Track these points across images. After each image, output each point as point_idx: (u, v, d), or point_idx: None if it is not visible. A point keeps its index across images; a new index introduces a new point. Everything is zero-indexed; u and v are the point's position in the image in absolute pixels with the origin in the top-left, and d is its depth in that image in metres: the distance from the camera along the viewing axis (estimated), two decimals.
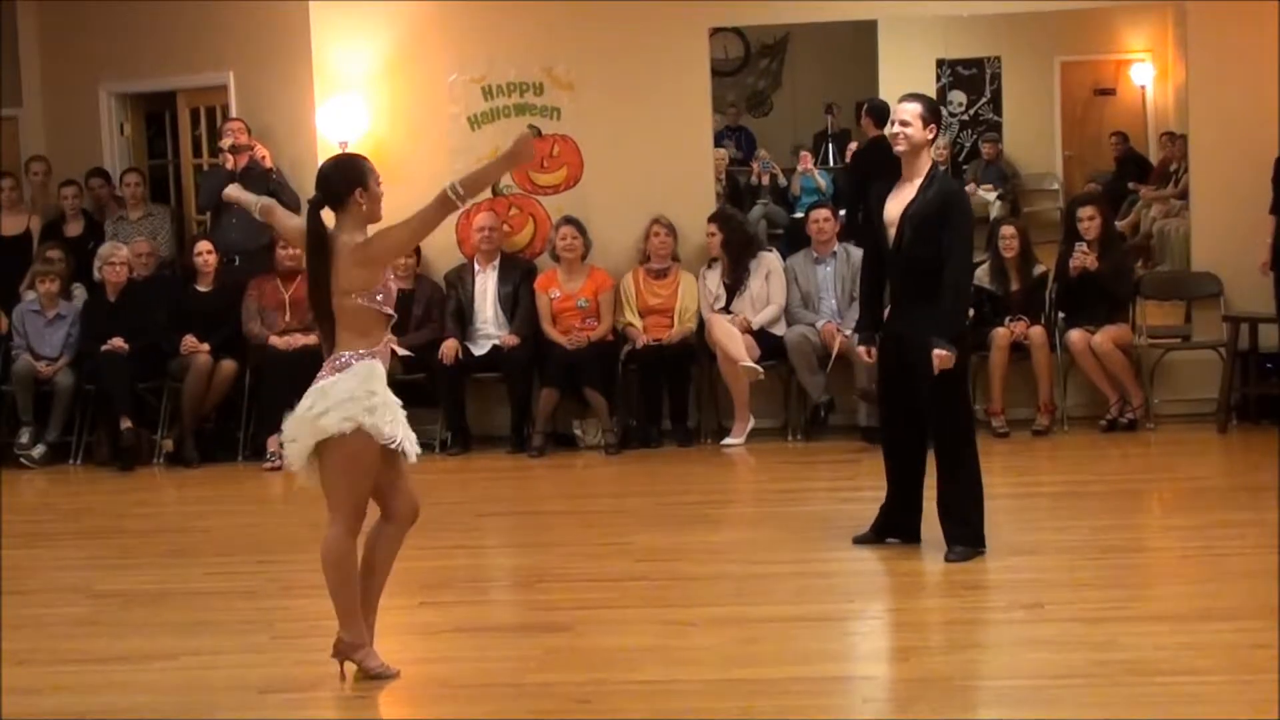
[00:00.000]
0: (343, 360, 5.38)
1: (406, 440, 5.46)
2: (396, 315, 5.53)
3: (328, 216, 5.50)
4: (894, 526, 7.19)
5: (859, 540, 7.22)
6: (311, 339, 9.49)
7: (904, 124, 6.90)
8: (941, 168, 7.41)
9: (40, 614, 6.72)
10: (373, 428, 5.33)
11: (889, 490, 7.20)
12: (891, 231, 6.94)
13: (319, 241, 5.44)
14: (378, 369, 5.42)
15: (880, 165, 7.24)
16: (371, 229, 5.51)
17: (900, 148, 6.93)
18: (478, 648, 6.02)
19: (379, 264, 5.43)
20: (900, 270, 7.00)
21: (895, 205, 6.95)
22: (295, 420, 5.40)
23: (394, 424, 5.40)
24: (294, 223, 5.84)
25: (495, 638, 6.18)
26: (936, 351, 6.75)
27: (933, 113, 6.94)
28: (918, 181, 6.90)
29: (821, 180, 12.92)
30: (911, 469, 7.08)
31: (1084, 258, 10.04)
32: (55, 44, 11.91)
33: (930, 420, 6.95)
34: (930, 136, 6.90)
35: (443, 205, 5.37)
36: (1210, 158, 10.44)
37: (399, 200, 5.57)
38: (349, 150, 10.17)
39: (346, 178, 5.47)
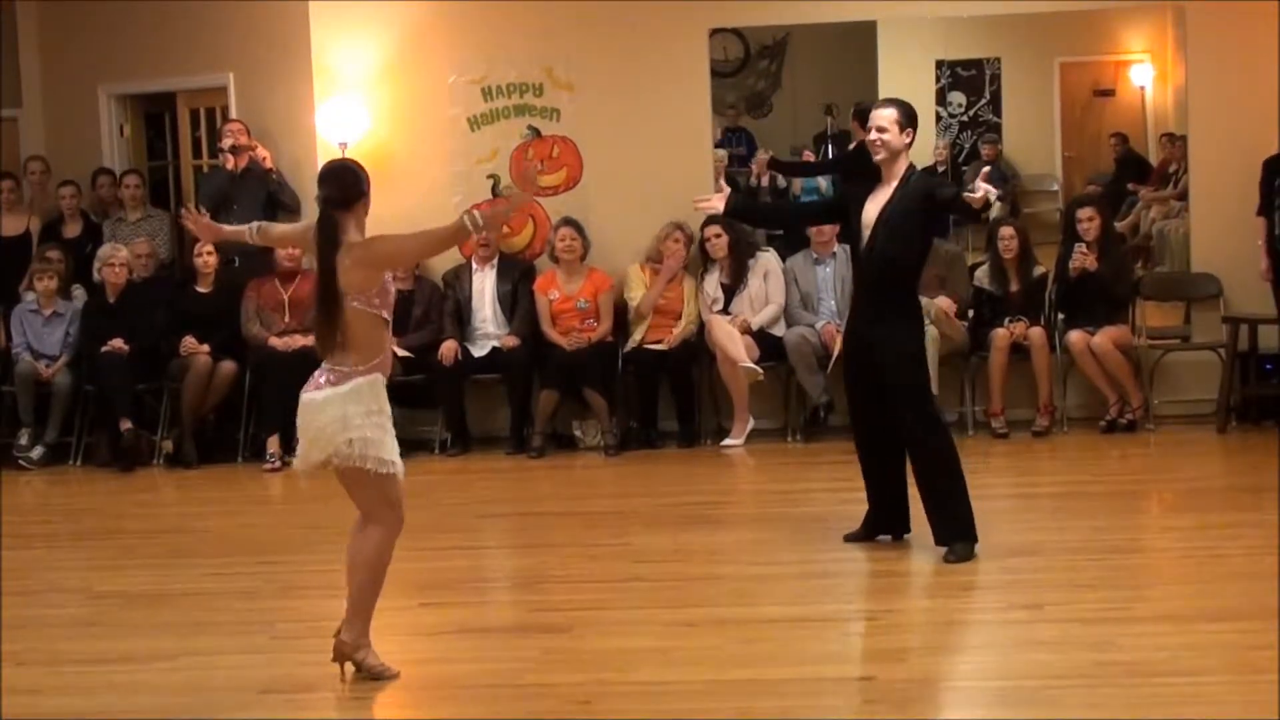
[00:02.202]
0: (347, 371, 5.37)
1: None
2: (390, 320, 5.53)
3: None
4: (884, 523, 7.21)
5: (850, 538, 7.23)
6: (310, 340, 9.48)
7: (880, 130, 6.90)
8: (941, 168, 7.42)
9: (40, 614, 6.72)
10: (393, 462, 5.41)
11: (871, 490, 7.21)
12: (865, 234, 6.94)
13: (331, 240, 5.41)
14: (379, 384, 5.43)
15: (865, 167, 7.24)
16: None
17: (879, 155, 6.92)
18: (477, 648, 6.02)
19: (379, 268, 5.44)
20: (870, 275, 7.00)
21: (872, 208, 6.95)
22: (317, 429, 5.36)
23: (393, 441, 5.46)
24: (295, 227, 5.82)
25: (494, 638, 6.18)
26: (980, 189, 6.71)
27: (909, 117, 6.93)
28: (894, 185, 6.91)
29: (822, 181, 12.92)
30: (891, 467, 7.11)
31: (1083, 258, 10.04)
32: (55, 44, 11.91)
33: (902, 425, 6.96)
34: (907, 141, 6.90)
35: (459, 232, 5.44)
36: (1210, 159, 10.45)
37: (398, 200, 5.62)
38: (348, 152, 10.25)
39: (359, 183, 5.51)
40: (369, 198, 5.51)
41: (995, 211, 12.62)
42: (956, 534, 6.88)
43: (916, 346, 7.07)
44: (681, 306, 10.40)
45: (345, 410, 5.34)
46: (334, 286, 5.38)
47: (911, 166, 6.98)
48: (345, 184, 5.49)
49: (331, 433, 5.34)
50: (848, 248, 10.27)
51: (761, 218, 9.65)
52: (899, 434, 7.00)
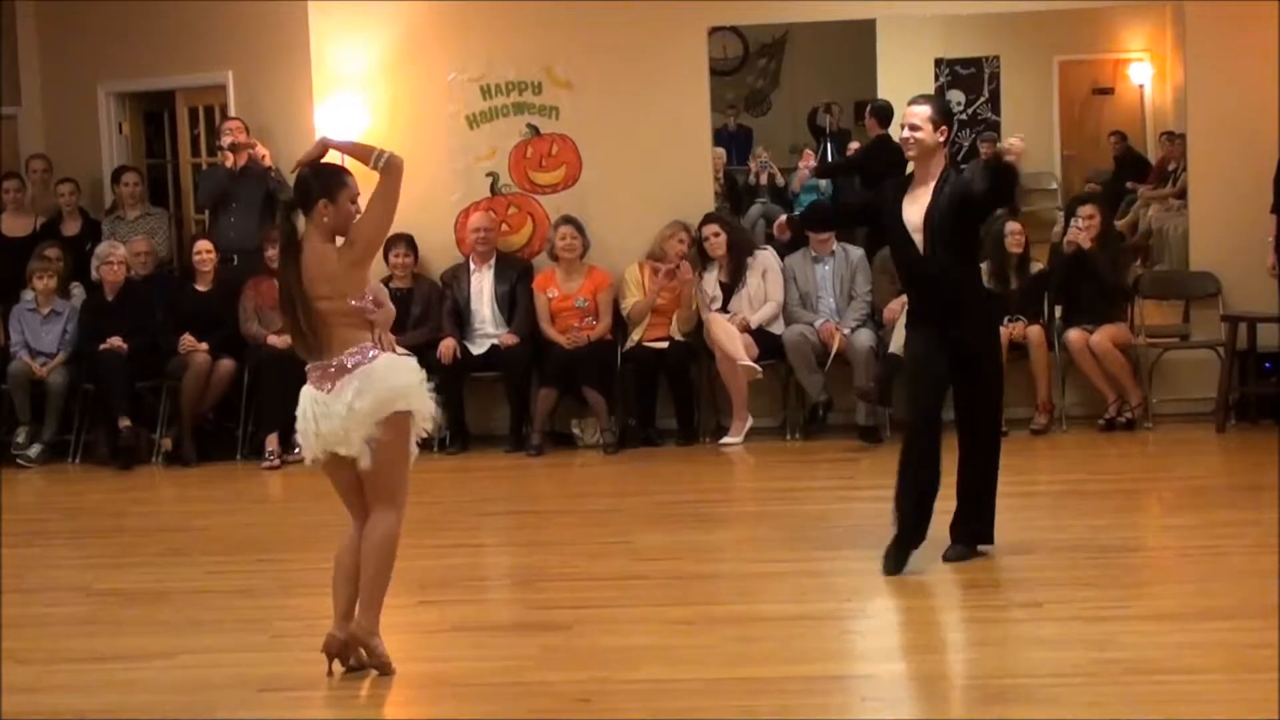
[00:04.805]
0: (354, 357, 5.43)
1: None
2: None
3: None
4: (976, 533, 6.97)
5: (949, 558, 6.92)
6: None
7: (914, 128, 6.68)
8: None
9: (40, 613, 6.72)
10: (406, 405, 5.48)
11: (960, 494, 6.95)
12: (918, 239, 6.70)
13: (287, 245, 5.51)
14: (394, 360, 5.55)
15: (885, 163, 7.16)
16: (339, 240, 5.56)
17: (911, 153, 6.72)
18: (476, 647, 6.02)
19: (368, 257, 5.53)
20: (934, 280, 6.75)
21: (915, 211, 6.71)
22: (344, 411, 5.40)
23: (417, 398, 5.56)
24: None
25: (494, 637, 6.18)
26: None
27: (943, 114, 6.74)
28: (932, 185, 6.69)
29: (821, 182, 12.92)
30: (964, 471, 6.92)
31: (1079, 234, 10.00)
32: (54, 43, 11.90)
33: (981, 418, 6.82)
34: (941, 139, 6.68)
35: (391, 174, 5.47)
36: (1209, 157, 10.43)
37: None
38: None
39: (315, 186, 5.52)
40: (339, 204, 5.46)
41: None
42: (978, 537, 6.84)
43: (997, 342, 6.94)
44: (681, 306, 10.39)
45: (401, 371, 5.50)
46: (296, 290, 5.44)
47: (947, 167, 6.75)
48: (299, 188, 5.55)
49: (411, 381, 5.47)
50: (846, 246, 10.38)
51: (817, 223, 9.44)
52: (973, 426, 6.82)
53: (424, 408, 5.53)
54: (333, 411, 5.41)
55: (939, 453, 6.77)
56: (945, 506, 6.89)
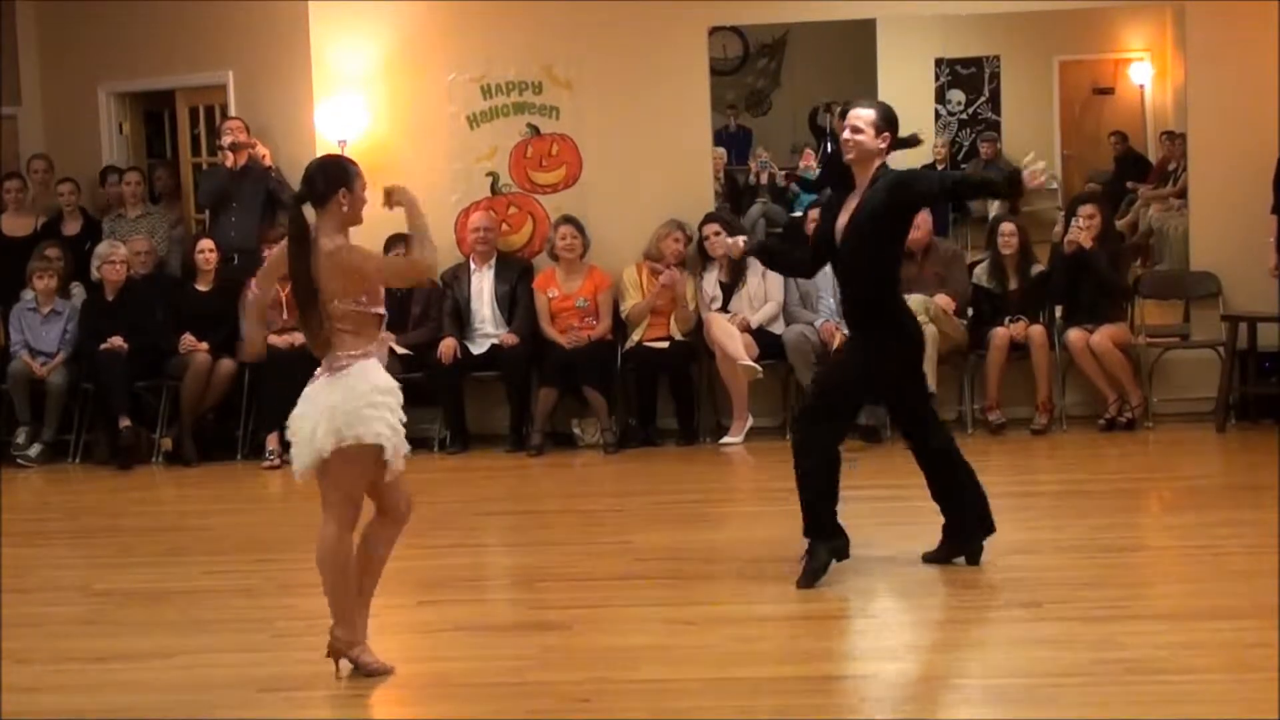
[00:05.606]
0: (339, 363, 5.40)
1: (396, 442, 5.46)
2: (387, 313, 5.57)
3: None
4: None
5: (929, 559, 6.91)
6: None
7: (855, 130, 6.48)
8: (940, 166, 7.27)
9: (39, 612, 6.72)
10: (356, 439, 5.35)
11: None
12: (838, 244, 6.58)
13: (299, 238, 5.47)
14: (371, 368, 5.43)
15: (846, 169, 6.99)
16: (352, 232, 5.54)
17: (849, 156, 6.52)
18: (476, 646, 6.02)
19: (348, 276, 5.43)
20: (843, 289, 6.75)
21: (844, 217, 6.57)
22: (299, 437, 5.46)
23: (382, 423, 5.39)
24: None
25: (494, 636, 6.17)
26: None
27: (887, 121, 6.50)
28: (863, 189, 6.52)
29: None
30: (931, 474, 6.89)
31: (1080, 234, 10.00)
32: (54, 43, 11.92)
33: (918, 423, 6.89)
34: (882, 146, 6.48)
35: (419, 269, 5.57)
36: (1209, 157, 10.44)
37: None
38: (347, 149, 10.25)
39: (331, 177, 5.49)
40: (355, 193, 5.47)
41: (994, 210, 12.65)
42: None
43: (896, 360, 6.63)
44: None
45: (344, 398, 5.36)
46: (309, 285, 5.41)
47: (881, 166, 6.53)
48: (313, 181, 5.50)
49: (346, 409, 5.35)
50: None
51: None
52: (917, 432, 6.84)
53: (393, 439, 5.39)
54: (315, 400, 5.41)
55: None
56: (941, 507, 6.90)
